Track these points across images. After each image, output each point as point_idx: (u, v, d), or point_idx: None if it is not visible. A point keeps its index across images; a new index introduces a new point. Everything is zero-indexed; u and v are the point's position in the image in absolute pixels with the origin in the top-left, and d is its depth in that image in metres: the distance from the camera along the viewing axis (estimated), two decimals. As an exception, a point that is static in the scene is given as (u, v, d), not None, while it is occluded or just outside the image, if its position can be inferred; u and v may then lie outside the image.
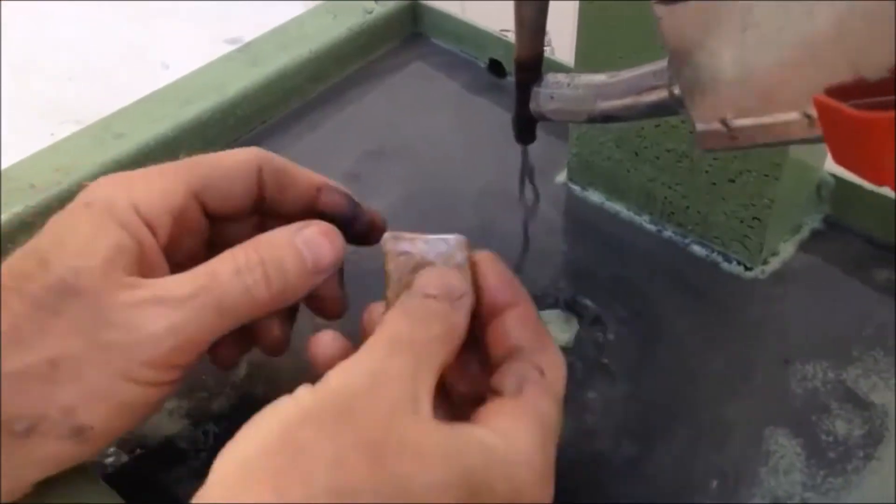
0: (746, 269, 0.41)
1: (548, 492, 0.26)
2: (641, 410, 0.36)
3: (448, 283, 0.28)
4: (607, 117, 0.29)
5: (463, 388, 0.30)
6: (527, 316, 0.29)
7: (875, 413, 0.36)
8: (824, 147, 0.41)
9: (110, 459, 0.35)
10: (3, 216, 0.42)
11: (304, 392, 0.25)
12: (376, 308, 0.30)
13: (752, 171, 0.38)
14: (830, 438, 0.35)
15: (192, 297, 0.27)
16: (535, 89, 0.30)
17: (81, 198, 0.29)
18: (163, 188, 0.29)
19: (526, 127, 0.32)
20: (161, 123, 0.47)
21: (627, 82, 0.28)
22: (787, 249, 0.42)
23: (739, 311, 0.40)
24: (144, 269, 0.28)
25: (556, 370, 0.28)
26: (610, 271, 0.42)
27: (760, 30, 0.22)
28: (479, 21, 0.54)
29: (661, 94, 0.27)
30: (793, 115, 0.22)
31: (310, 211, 0.32)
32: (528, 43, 0.29)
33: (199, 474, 0.34)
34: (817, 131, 0.21)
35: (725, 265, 0.42)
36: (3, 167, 0.45)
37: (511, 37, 0.52)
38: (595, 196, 0.45)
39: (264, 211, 0.32)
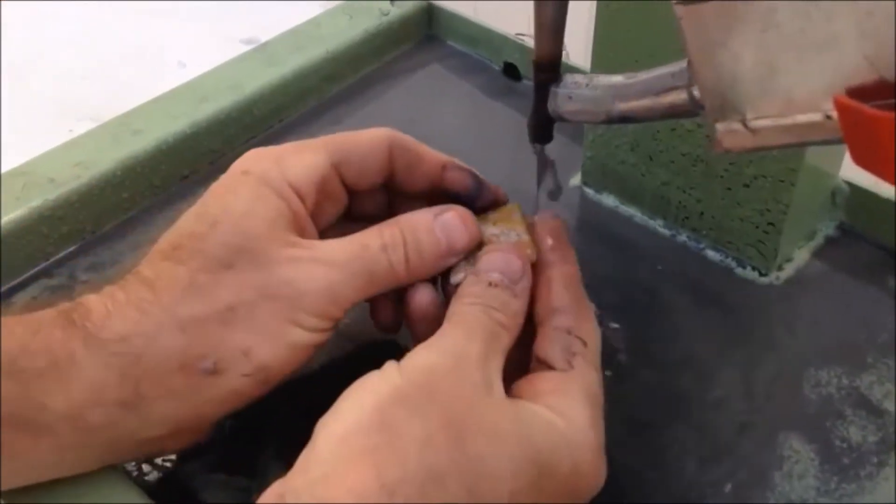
0: (761, 274, 0.41)
1: (603, 467, 0.28)
2: (654, 414, 0.36)
3: (508, 266, 0.30)
4: (625, 118, 0.29)
5: None
6: (571, 278, 0.31)
7: (888, 420, 0.35)
8: (839, 153, 0.41)
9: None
10: (21, 210, 0.43)
11: (391, 369, 0.27)
12: (422, 291, 0.32)
13: (768, 177, 0.38)
14: (844, 444, 0.35)
15: (348, 262, 0.30)
16: (553, 90, 0.30)
17: (237, 167, 0.32)
18: (309, 161, 0.32)
19: (543, 127, 0.32)
20: (178, 121, 0.48)
21: (646, 83, 0.28)
22: (802, 256, 0.42)
23: (754, 316, 0.40)
24: (299, 232, 0.31)
25: (594, 339, 0.30)
26: (623, 275, 0.42)
27: (781, 31, 0.22)
28: (493, 24, 0.54)
29: (679, 96, 0.27)
30: (813, 116, 0.22)
31: (436, 187, 0.34)
32: (548, 44, 0.29)
33: (215, 468, 0.35)
34: (837, 132, 0.21)
35: (740, 270, 0.42)
36: (23, 161, 0.46)
37: (526, 40, 0.53)
38: (609, 200, 0.45)
39: (393, 187, 0.34)
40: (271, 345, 0.29)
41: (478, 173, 0.34)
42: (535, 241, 0.32)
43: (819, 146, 0.24)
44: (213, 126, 0.48)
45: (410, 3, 0.55)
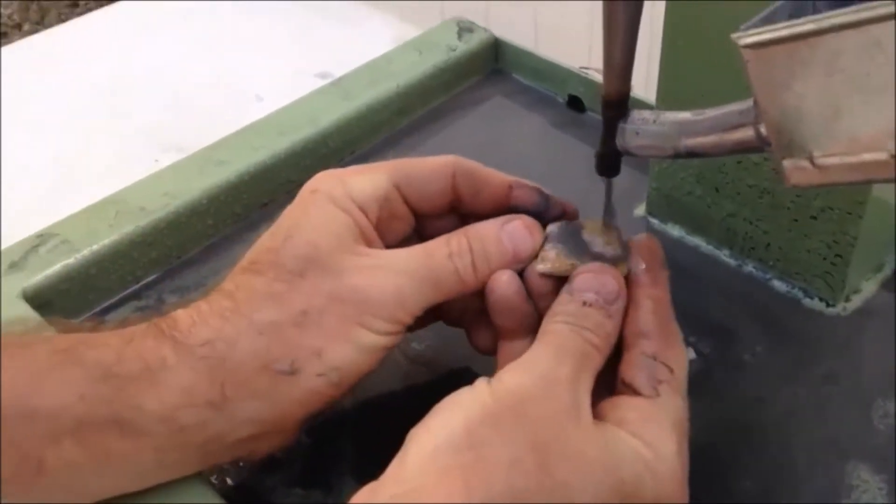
0: (828, 305, 0.41)
1: (685, 498, 0.28)
2: (720, 442, 0.37)
3: (604, 287, 0.31)
4: (692, 153, 0.30)
5: None
6: (661, 303, 0.32)
7: (960, 453, 0.35)
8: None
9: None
10: (114, 236, 0.45)
11: (482, 387, 0.28)
12: (505, 278, 0.32)
13: (835, 209, 0.39)
14: (914, 476, 0.35)
15: (414, 268, 0.32)
16: (621, 125, 0.32)
17: (307, 187, 0.34)
18: (370, 180, 0.34)
19: (611, 161, 0.33)
20: (259, 152, 0.50)
21: (713, 120, 0.29)
22: (870, 287, 0.42)
23: (821, 347, 0.40)
24: (366, 244, 0.33)
25: (682, 366, 0.31)
26: (690, 305, 0.42)
27: (846, 74, 0.23)
28: (557, 57, 0.56)
29: (746, 133, 0.28)
30: (879, 155, 0.23)
31: (504, 208, 0.35)
32: (616, 82, 0.31)
33: (293, 483, 0.37)
34: (904, 171, 0.22)
35: (807, 301, 0.42)
36: (114, 191, 0.49)
37: (591, 73, 0.54)
38: (675, 230, 0.46)
39: (463, 210, 0.36)
40: (341, 346, 0.31)
41: (543, 189, 0.35)
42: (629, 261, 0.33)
43: (887, 182, 0.24)
44: (291, 157, 0.51)
45: (477, 37, 0.57)
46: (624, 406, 0.29)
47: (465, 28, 0.58)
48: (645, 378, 0.30)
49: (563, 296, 0.32)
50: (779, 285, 0.43)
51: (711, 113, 0.29)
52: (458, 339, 0.41)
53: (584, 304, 0.31)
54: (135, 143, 0.63)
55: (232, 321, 0.31)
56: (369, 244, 0.33)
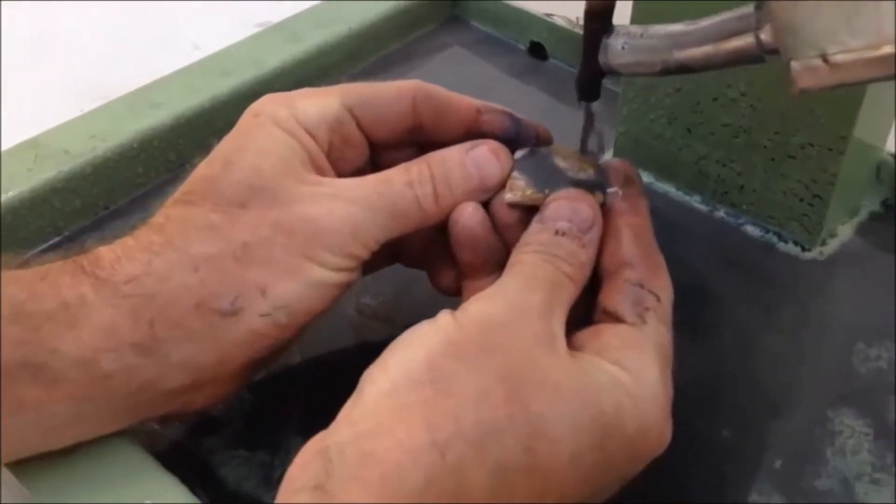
0: (804, 249, 0.40)
1: (669, 428, 0.26)
2: (699, 392, 0.35)
3: (577, 213, 0.29)
4: (683, 67, 0.28)
5: None
6: (642, 230, 0.30)
7: (945, 395, 0.34)
8: (886, 124, 0.40)
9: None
10: (34, 182, 0.41)
11: (445, 319, 0.25)
12: (469, 209, 0.30)
13: (815, 146, 0.37)
14: (900, 419, 0.33)
15: (369, 197, 0.29)
16: (605, 41, 0.29)
17: (249, 111, 0.31)
18: (320, 102, 0.31)
19: (592, 83, 0.31)
20: (198, 94, 0.46)
21: (708, 29, 0.27)
22: (846, 232, 0.41)
23: (798, 292, 0.38)
24: (316, 172, 0.30)
25: (668, 296, 0.29)
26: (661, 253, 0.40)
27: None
28: (520, 2, 0.53)
29: (746, 41, 0.26)
30: (903, 46, 0.21)
31: (471, 136, 0.32)
32: (601, -11, 0.28)
33: (235, 444, 0.33)
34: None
35: (782, 246, 0.40)
36: (36, 134, 0.44)
37: (556, 20, 0.52)
38: (643, 176, 0.44)
39: (424, 140, 0.33)
40: (289, 282, 0.28)
41: (514, 113, 0.32)
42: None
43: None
44: (233, 100, 0.47)
45: (434, -19, 0.54)
46: (605, 333, 0.27)
47: (419, -29, 0.54)
48: (630, 305, 0.28)
49: (534, 225, 0.29)
50: (752, 230, 0.41)
51: (706, 21, 0.27)
52: (416, 291, 0.38)
53: (557, 232, 0.28)
54: (61, 94, 0.58)
55: (162, 255, 0.28)
56: (320, 172, 0.30)
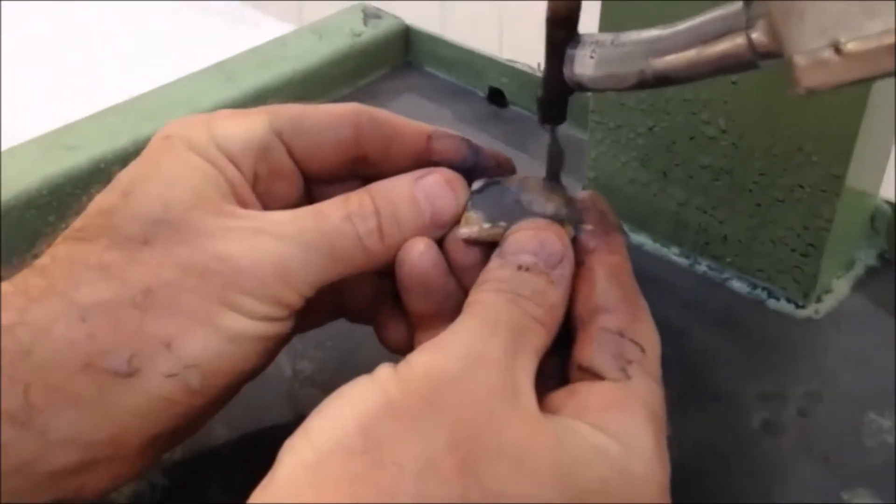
0: (798, 307, 0.35)
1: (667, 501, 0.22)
2: (687, 473, 0.29)
3: (544, 245, 0.24)
4: (662, 78, 0.23)
5: None
6: (621, 270, 0.25)
7: (972, 473, 0.29)
8: (879, 166, 0.36)
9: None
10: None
11: (385, 374, 0.21)
12: (418, 247, 0.25)
13: (806, 187, 0.33)
14: (923, 503, 0.28)
15: (300, 233, 0.25)
16: (570, 52, 0.25)
17: (160, 134, 0.26)
18: (242, 124, 0.26)
19: (556, 101, 0.26)
20: (119, 137, 0.41)
21: (690, 31, 0.23)
22: (841, 287, 0.36)
23: (796, 355, 0.34)
24: (239, 205, 0.26)
25: (654, 345, 0.24)
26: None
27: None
28: (476, 46, 0.50)
29: (735, 42, 0.21)
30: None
31: (422, 166, 0.27)
32: (565, -10, 0.24)
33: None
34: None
35: (772, 303, 0.36)
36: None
37: (518, 65, 0.48)
38: (615, 226, 0.40)
39: (368, 173, 0.28)
40: (201, 334, 0.23)
41: (471, 140, 0.28)
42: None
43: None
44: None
45: (385, 24, 0.51)
46: (583, 393, 0.22)
47: (371, 14, 0.51)
48: (610, 357, 0.23)
49: (494, 260, 0.25)
50: (738, 286, 0.36)
51: (686, 24, 0.23)
52: (364, 352, 0.33)
53: (521, 268, 0.24)
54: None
55: (43, 303, 0.23)
56: (244, 206, 0.26)
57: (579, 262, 0.25)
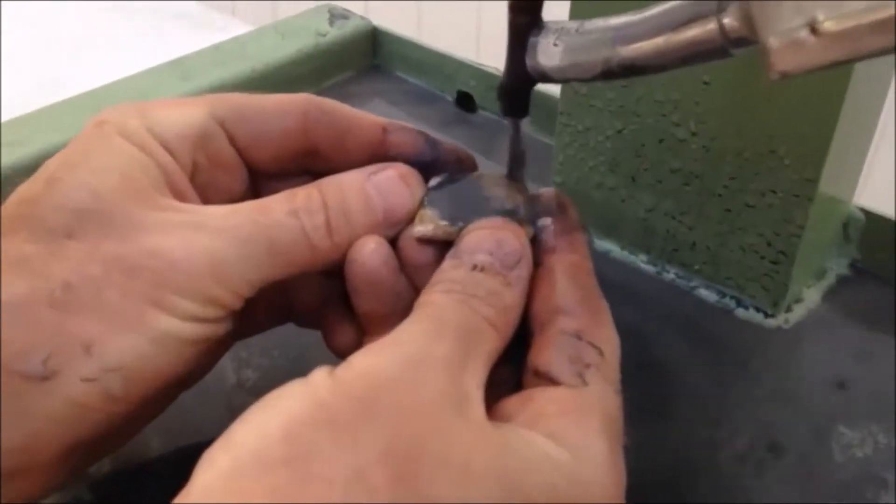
0: (767, 316, 0.34)
1: None
2: (651, 487, 0.28)
3: (501, 245, 0.23)
4: (630, 67, 0.22)
5: None
6: (581, 270, 0.24)
7: (947, 489, 0.28)
8: (853, 172, 0.35)
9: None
10: None
11: (319, 377, 0.19)
12: (369, 245, 0.24)
13: (778, 192, 0.32)
14: (898, 519, 0.27)
15: (238, 227, 0.23)
16: (532, 40, 0.24)
17: (93, 120, 0.25)
18: (179, 111, 0.25)
19: (519, 92, 0.25)
20: (65, 133, 0.39)
21: (659, 17, 0.21)
22: (812, 297, 0.35)
23: (765, 366, 0.33)
24: (175, 196, 0.24)
25: (613, 349, 0.23)
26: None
27: None
28: (445, 48, 0.48)
29: (706, 27, 0.20)
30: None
31: (378, 161, 0.26)
32: (528, -29, 0.23)
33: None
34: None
35: (741, 312, 0.35)
36: None
37: (488, 68, 0.47)
38: (582, 233, 0.38)
39: (319, 169, 0.26)
40: (124, 336, 0.21)
41: (429, 134, 0.27)
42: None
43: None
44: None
45: (352, 24, 0.49)
46: (537, 399, 0.21)
47: (338, 14, 0.49)
48: (567, 362, 0.21)
49: (448, 261, 0.23)
50: (707, 294, 0.35)
51: (655, 9, 0.22)
52: (313, 359, 0.32)
53: (475, 268, 0.22)
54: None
55: None
56: (180, 198, 0.24)
57: (538, 263, 0.24)
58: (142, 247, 0.22)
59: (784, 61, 0.18)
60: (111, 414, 0.22)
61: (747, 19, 0.19)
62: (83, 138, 0.24)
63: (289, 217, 0.23)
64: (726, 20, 0.20)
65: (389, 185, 0.25)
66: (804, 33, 0.17)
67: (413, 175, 0.25)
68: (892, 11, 0.16)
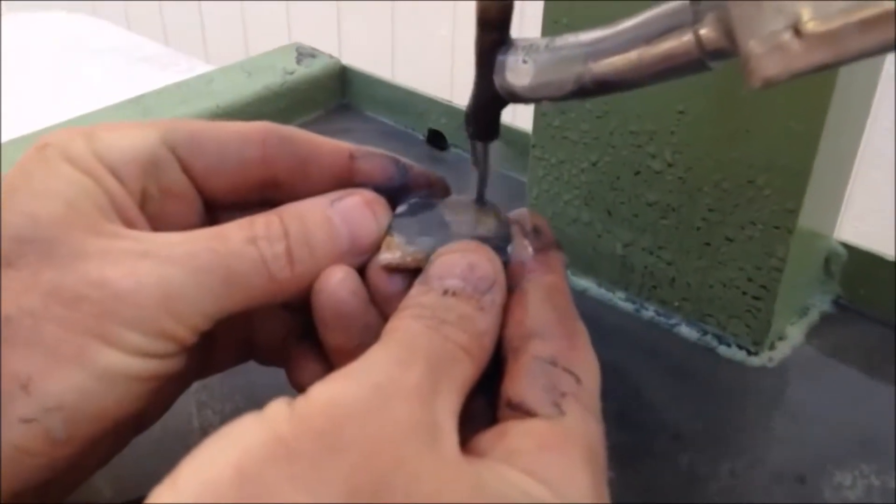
0: (750, 353, 0.33)
1: None
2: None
3: (473, 269, 0.22)
4: (602, 83, 0.21)
5: None
6: (556, 292, 0.22)
7: (946, 534, 0.26)
8: (834, 206, 0.34)
9: None
10: None
11: (277, 410, 0.17)
12: (336, 275, 0.22)
13: (758, 224, 0.31)
14: (897, 568, 0.25)
15: (192, 255, 0.21)
16: (500, 58, 0.23)
17: (35, 145, 0.23)
18: (128, 135, 0.23)
19: (488, 113, 0.24)
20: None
21: (632, 31, 0.20)
22: (795, 334, 0.34)
23: (750, 405, 0.31)
24: (123, 224, 0.22)
25: (592, 375, 0.21)
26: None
27: None
28: (415, 86, 0.48)
29: (682, 39, 0.19)
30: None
31: (343, 188, 0.24)
32: (496, -14, 0.22)
33: None
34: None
35: (723, 349, 0.33)
36: None
37: (459, 105, 0.46)
38: (557, 270, 0.37)
39: (281, 200, 0.24)
40: (66, 371, 0.20)
41: (399, 158, 0.25)
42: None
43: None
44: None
45: (320, 63, 0.48)
46: (513, 434, 0.19)
47: (306, 53, 0.49)
48: (541, 391, 0.20)
49: (417, 287, 0.22)
50: (687, 331, 0.34)
51: (629, 23, 0.21)
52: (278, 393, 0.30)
53: (446, 293, 0.21)
54: None
55: None
56: (129, 227, 0.22)
57: (511, 287, 0.22)
58: (85, 276, 0.20)
59: (767, 67, 0.17)
60: (54, 458, 0.20)
61: (725, 28, 0.18)
62: (24, 162, 0.22)
63: (247, 245, 0.22)
64: (703, 31, 0.19)
65: (354, 212, 0.23)
66: (787, 36, 0.16)
67: (378, 201, 0.24)
68: (880, 8, 0.15)
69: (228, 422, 0.30)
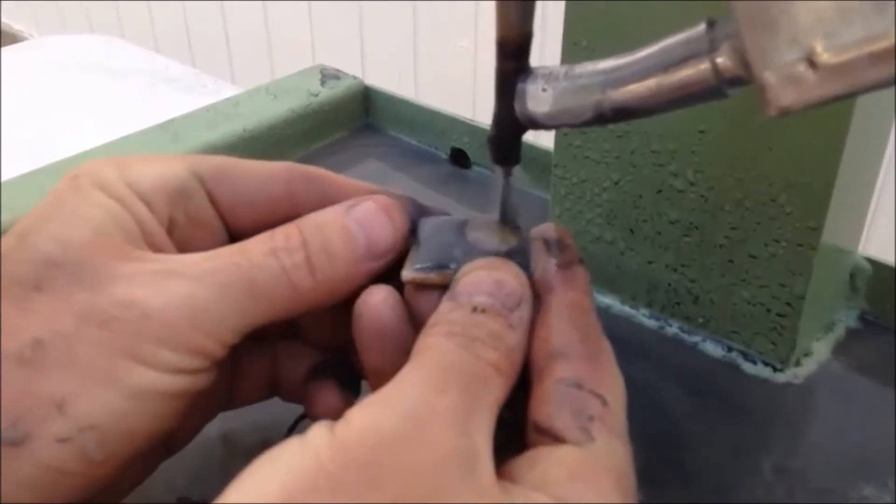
0: (776, 370, 0.33)
1: None
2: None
3: (501, 286, 0.22)
4: (621, 111, 0.21)
5: None
6: (580, 310, 0.23)
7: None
8: (858, 221, 0.34)
9: None
10: None
11: (319, 435, 0.18)
12: (378, 293, 0.23)
13: (781, 242, 0.31)
14: (928, 588, 0.25)
15: (216, 271, 0.22)
16: (520, 86, 0.23)
17: (67, 175, 0.24)
18: (158, 165, 0.24)
19: (509, 140, 0.24)
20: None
21: (649, 59, 0.21)
22: (821, 350, 0.34)
23: (774, 423, 0.31)
24: (150, 248, 0.23)
25: (618, 396, 0.21)
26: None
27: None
28: (437, 105, 0.48)
29: (699, 67, 0.20)
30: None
31: None
32: (515, 16, 0.22)
33: None
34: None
35: (749, 367, 0.33)
36: None
37: (481, 124, 0.47)
38: (580, 288, 0.37)
39: None
40: (99, 391, 0.20)
41: (416, 200, 0.26)
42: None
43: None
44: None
45: (344, 84, 0.49)
46: (544, 461, 0.19)
47: (329, 75, 0.49)
48: (569, 416, 0.20)
49: (445, 304, 0.22)
50: (712, 349, 0.34)
51: (645, 51, 0.21)
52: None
53: (475, 310, 0.21)
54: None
55: None
56: (156, 250, 0.23)
57: (535, 305, 0.23)
58: (114, 297, 0.21)
59: (782, 97, 0.17)
60: (89, 479, 0.21)
61: (741, 57, 0.18)
62: (58, 192, 0.23)
63: (268, 257, 0.22)
64: (719, 59, 0.19)
65: (369, 217, 0.24)
66: (802, 67, 0.17)
67: (394, 206, 0.24)
68: (892, 41, 0.15)
69: (259, 440, 0.31)
